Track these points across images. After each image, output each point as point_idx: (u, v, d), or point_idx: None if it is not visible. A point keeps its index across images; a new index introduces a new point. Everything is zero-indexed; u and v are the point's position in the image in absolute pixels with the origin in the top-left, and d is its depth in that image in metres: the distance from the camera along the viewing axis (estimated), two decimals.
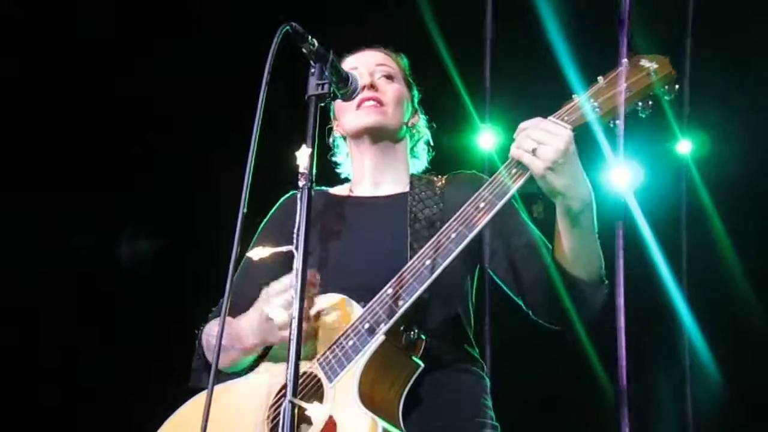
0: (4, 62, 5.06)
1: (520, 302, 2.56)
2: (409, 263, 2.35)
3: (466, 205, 2.35)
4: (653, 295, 5.38)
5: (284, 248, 2.09)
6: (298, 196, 2.08)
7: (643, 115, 2.35)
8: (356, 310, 2.36)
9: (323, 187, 2.80)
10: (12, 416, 5.26)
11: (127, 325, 5.44)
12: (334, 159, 2.92)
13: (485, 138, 5.64)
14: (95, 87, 5.33)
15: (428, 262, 2.32)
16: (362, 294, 2.38)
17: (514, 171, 2.31)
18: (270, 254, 2.16)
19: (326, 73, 2.23)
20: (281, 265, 2.35)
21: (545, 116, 2.33)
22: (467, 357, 2.55)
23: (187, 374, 2.69)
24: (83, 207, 5.47)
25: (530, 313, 2.54)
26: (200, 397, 2.49)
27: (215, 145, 5.25)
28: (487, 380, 2.57)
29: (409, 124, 2.82)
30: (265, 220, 2.79)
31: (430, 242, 2.35)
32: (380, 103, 2.71)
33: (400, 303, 2.29)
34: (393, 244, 2.55)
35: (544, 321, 2.51)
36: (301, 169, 2.10)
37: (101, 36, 5.21)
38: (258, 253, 2.17)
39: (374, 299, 2.34)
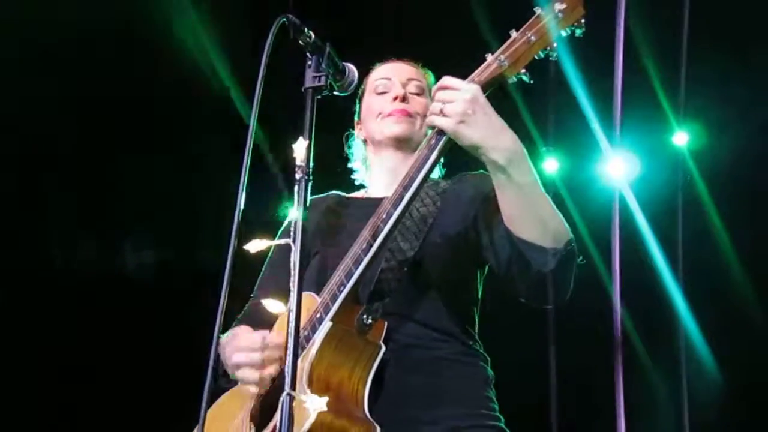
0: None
1: (503, 280, 2.43)
2: (352, 251, 2.37)
3: (397, 185, 2.36)
4: (649, 287, 5.40)
5: (282, 241, 2.09)
6: (295, 188, 2.08)
7: (552, 59, 2.29)
8: (313, 302, 2.40)
9: (337, 192, 2.85)
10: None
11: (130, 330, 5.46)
12: (349, 166, 2.94)
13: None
14: (95, 88, 5.32)
15: (365, 244, 2.34)
16: (350, 294, 2.38)
17: (432, 141, 2.31)
18: (267, 247, 2.16)
19: (323, 65, 2.23)
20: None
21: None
22: (468, 349, 2.53)
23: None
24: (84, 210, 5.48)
25: (510, 291, 2.42)
26: (220, 400, 2.59)
27: (215, 147, 5.26)
28: (491, 372, 2.55)
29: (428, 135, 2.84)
30: (285, 224, 2.78)
31: (367, 226, 2.37)
32: (409, 114, 2.74)
33: (341, 288, 2.33)
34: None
35: (522, 297, 2.41)
36: (298, 162, 2.10)
37: (101, 37, 5.21)
38: (255, 245, 2.16)
39: (323, 289, 2.39)
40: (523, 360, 5.23)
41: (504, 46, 2.30)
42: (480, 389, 2.50)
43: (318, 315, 2.35)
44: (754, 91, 5.15)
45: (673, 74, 5.11)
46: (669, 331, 5.40)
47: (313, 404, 1.99)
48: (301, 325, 2.29)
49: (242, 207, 2.09)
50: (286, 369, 1.90)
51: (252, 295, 2.80)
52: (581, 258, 2.38)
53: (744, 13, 4.94)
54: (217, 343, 2.04)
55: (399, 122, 2.73)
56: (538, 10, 2.29)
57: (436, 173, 2.84)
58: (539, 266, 2.27)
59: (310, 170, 2.09)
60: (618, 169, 5.46)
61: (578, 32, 2.28)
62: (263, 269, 2.82)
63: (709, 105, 5.33)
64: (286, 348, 1.94)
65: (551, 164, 5.77)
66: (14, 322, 5.28)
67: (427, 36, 4.96)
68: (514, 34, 2.30)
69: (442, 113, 2.24)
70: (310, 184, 2.08)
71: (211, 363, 2.03)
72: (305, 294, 2.34)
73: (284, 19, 2.19)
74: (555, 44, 2.28)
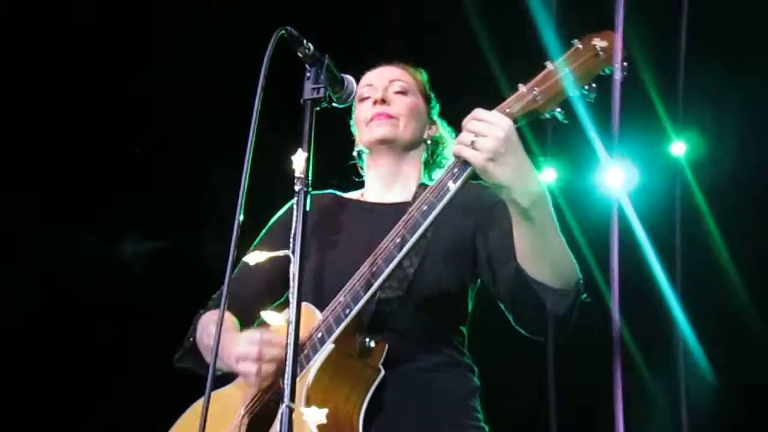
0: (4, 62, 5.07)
1: (503, 308, 2.47)
2: (359, 270, 2.34)
3: (411, 208, 2.30)
4: (647, 296, 5.40)
5: (281, 253, 2.08)
6: (294, 200, 2.08)
7: (590, 100, 2.16)
8: (314, 318, 2.36)
9: (333, 191, 2.83)
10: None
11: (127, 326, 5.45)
12: (361, 173, 2.92)
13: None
14: (95, 87, 5.33)
15: (374, 268, 2.30)
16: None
17: (456, 170, 2.23)
18: (267, 258, 2.16)
19: (321, 77, 2.24)
20: (280, 265, 2.32)
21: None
22: (457, 361, 2.54)
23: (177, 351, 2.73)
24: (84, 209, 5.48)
25: (510, 319, 2.45)
26: (196, 406, 2.55)
27: (214, 148, 5.26)
28: (477, 383, 2.56)
29: (425, 136, 2.82)
30: (273, 219, 2.79)
31: (377, 249, 2.33)
32: (390, 116, 2.73)
33: (347, 311, 2.29)
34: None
35: (524, 330, 2.43)
36: (298, 174, 2.10)
37: (101, 37, 5.21)
38: (255, 257, 2.17)
39: (327, 308, 2.35)
40: (521, 368, 5.24)
41: (538, 78, 2.19)
42: (465, 399, 2.51)
43: (319, 335, 2.32)
44: (751, 100, 5.16)
45: (670, 84, 5.12)
46: (667, 340, 5.40)
47: (312, 417, 1.99)
48: (303, 339, 2.30)
49: (241, 217, 2.09)
50: (285, 381, 1.89)
51: (232, 276, 2.74)
52: (585, 295, 2.37)
53: (741, 21, 4.95)
54: (217, 348, 2.03)
55: (380, 125, 2.71)
56: (577, 43, 2.19)
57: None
58: (552, 308, 2.27)
59: (309, 182, 2.10)
60: (616, 178, 5.46)
61: (617, 74, 2.16)
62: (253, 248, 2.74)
63: (707, 114, 5.34)
64: (285, 359, 1.93)
65: (549, 174, 5.77)
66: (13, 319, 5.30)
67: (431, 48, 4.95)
68: (549, 66, 2.19)
69: (472, 146, 2.16)
70: (309, 196, 2.08)
71: (212, 366, 2.03)
72: (306, 307, 2.35)
73: (283, 31, 2.20)
74: (594, 85, 2.17)
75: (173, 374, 2.80)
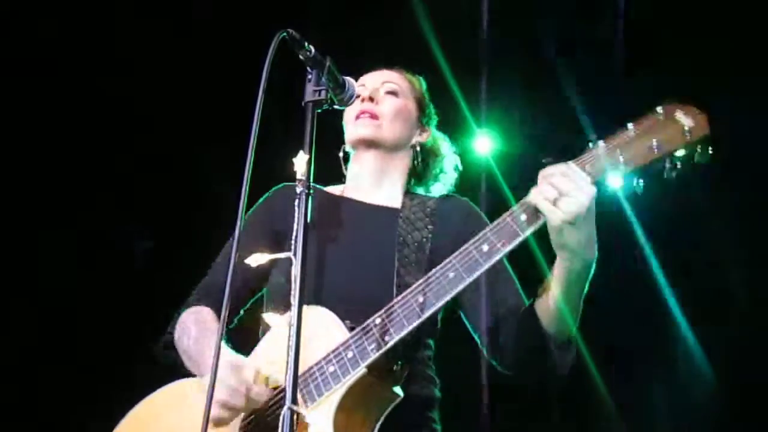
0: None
1: (477, 339, 2.53)
2: (401, 296, 2.28)
3: (468, 244, 2.24)
4: (646, 293, 5.40)
5: (282, 255, 2.08)
6: (296, 202, 2.07)
7: (669, 177, 2.11)
8: (341, 332, 2.31)
9: (316, 185, 2.78)
10: None
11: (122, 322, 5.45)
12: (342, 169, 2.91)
13: (481, 143, 5.65)
14: (95, 87, 5.33)
15: (421, 298, 2.24)
16: (345, 309, 2.35)
17: (524, 217, 2.16)
18: (268, 261, 2.15)
19: (323, 80, 2.23)
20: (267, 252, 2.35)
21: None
22: (424, 374, 2.54)
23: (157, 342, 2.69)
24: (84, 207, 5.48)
25: (493, 361, 2.49)
26: (154, 398, 2.53)
27: (214, 149, 5.26)
28: (438, 394, 2.56)
29: (413, 142, 2.82)
30: (251, 210, 2.77)
31: (426, 276, 2.27)
32: (375, 116, 2.73)
33: (387, 338, 2.23)
34: (380, 266, 2.53)
35: (508, 371, 2.46)
36: (299, 176, 2.10)
37: (101, 35, 5.21)
38: (256, 259, 2.16)
39: (361, 327, 2.28)
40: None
41: (621, 141, 2.14)
42: (426, 410, 2.52)
43: (350, 354, 2.25)
44: (749, 103, 5.15)
45: (669, 84, 5.12)
46: (667, 340, 5.40)
47: (314, 420, 1.99)
48: (323, 350, 2.27)
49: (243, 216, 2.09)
50: (286, 384, 1.89)
51: (211, 269, 2.73)
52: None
53: (741, 25, 4.96)
54: (218, 354, 2.02)
55: (362, 125, 2.73)
56: (659, 113, 2.15)
57: (444, 188, 2.85)
58: (561, 362, 2.31)
59: (311, 184, 2.10)
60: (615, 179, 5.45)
61: (704, 159, 2.10)
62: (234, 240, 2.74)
63: (713, 119, 5.33)
64: (286, 369, 1.92)
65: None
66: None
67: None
68: (633, 130, 2.14)
69: (554, 202, 2.10)
70: (311, 198, 2.07)
71: (213, 370, 2.01)
72: (316, 308, 2.34)
73: (284, 34, 2.18)
74: (679, 164, 2.11)
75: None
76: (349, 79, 2.39)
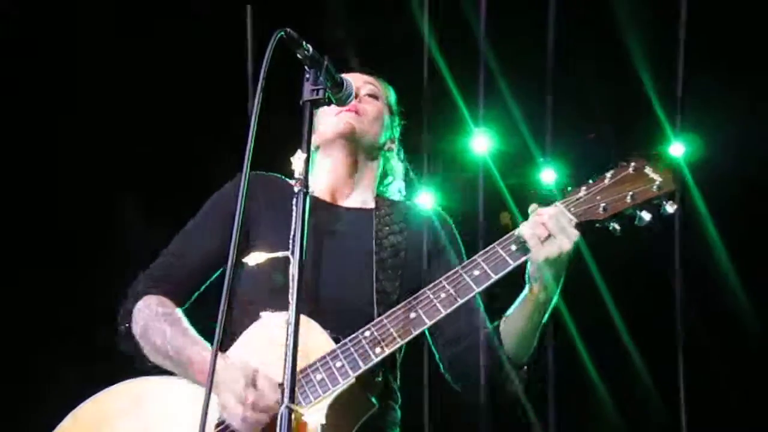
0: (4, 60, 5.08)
1: (436, 353, 2.61)
2: (391, 312, 2.36)
3: (458, 268, 2.38)
4: (647, 297, 5.40)
5: (280, 254, 2.09)
6: (294, 202, 2.08)
7: (638, 224, 2.37)
8: (326, 340, 2.34)
9: (278, 174, 2.78)
10: None
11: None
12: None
13: (479, 142, 5.65)
14: (95, 87, 5.33)
15: (412, 315, 2.34)
16: (325, 315, 2.36)
17: (514, 248, 2.36)
18: (266, 260, 2.16)
19: (321, 79, 2.22)
20: (216, 246, 2.49)
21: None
22: (388, 390, 2.56)
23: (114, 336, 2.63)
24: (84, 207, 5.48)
25: (441, 366, 2.60)
26: (100, 399, 2.46)
27: (213, 149, 5.26)
28: (399, 412, 2.61)
29: (385, 148, 2.85)
30: (211, 200, 2.77)
31: (416, 295, 2.37)
32: (358, 112, 2.74)
33: (378, 351, 2.31)
34: (359, 271, 2.57)
35: (459, 387, 2.58)
36: (297, 175, 2.10)
37: (101, 34, 5.21)
38: (255, 258, 2.17)
39: (349, 338, 2.33)
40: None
41: (602, 190, 2.37)
42: (386, 428, 2.55)
43: (338, 364, 2.30)
44: (750, 101, 5.16)
45: (669, 85, 5.13)
46: (668, 343, 5.41)
47: (312, 419, 1.99)
48: (307, 358, 2.28)
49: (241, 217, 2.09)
50: (284, 383, 1.89)
51: (167, 251, 2.70)
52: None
53: (741, 24, 4.96)
54: (216, 352, 2.00)
55: (346, 119, 2.72)
56: (629, 166, 2.39)
57: (394, 190, 2.88)
58: (511, 383, 2.46)
59: (308, 183, 2.10)
60: None
61: (665, 213, 2.36)
62: (189, 229, 2.73)
63: (706, 116, 5.34)
64: (285, 357, 1.93)
65: (549, 175, 5.77)
66: None
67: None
68: (607, 178, 2.38)
69: (542, 242, 2.31)
70: (308, 197, 2.08)
71: (211, 369, 2.01)
72: (310, 323, 2.33)
73: (282, 33, 2.18)
74: (650, 215, 2.35)
75: None
76: (346, 78, 2.39)
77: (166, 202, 5.47)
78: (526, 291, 2.40)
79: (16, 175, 5.38)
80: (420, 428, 4.55)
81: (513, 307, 2.45)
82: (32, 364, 5.34)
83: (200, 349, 2.44)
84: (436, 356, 2.62)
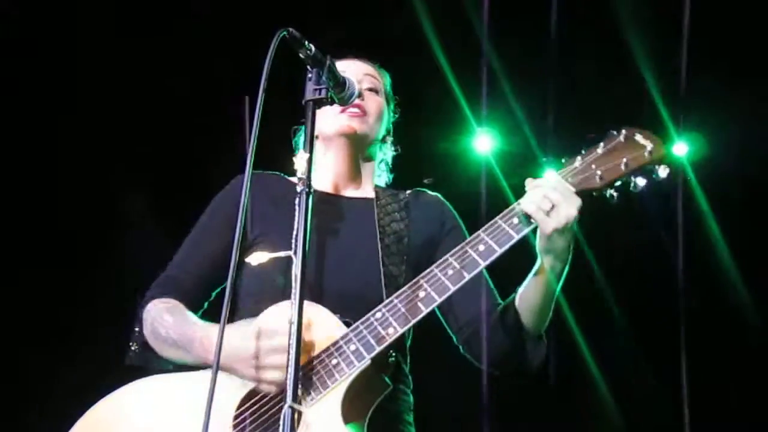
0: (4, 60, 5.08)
1: (453, 335, 2.61)
2: (401, 291, 2.35)
3: (463, 244, 2.36)
4: (649, 296, 5.41)
5: (282, 253, 2.08)
6: (296, 201, 2.07)
7: (634, 190, 2.39)
8: (338, 326, 2.33)
9: (278, 173, 2.77)
10: None
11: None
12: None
13: (482, 141, 5.65)
14: (95, 87, 5.34)
15: (422, 294, 2.33)
16: (334, 303, 2.36)
17: (516, 221, 2.36)
18: (269, 260, 2.15)
19: (323, 78, 2.22)
20: (222, 251, 2.46)
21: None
22: (400, 374, 2.56)
23: (124, 348, 2.60)
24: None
25: (461, 348, 2.60)
26: (116, 397, 2.44)
27: (213, 149, 5.26)
28: (411, 397, 2.60)
29: (383, 140, 2.85)
30: (213, 204, 2.75)
31: (424, 273, 2.36)
32: (363, 112, 2.72)
33: (390, 331, 2.30)
34: (365, 257, 2.56)
35: (484, 366, 2.56)
36: (299, 174, 2.09)
37: (101, 33, 5.21)
38: (257, 258, 2.17)
39: (361, 321, 2.32)
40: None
41: (597, 157, 2.39)
42: (401, 414, 2.54)
43: (353, 347, 2.29)
44: (753, 101, 5.16)
45: (672, 84, 5.13)
46: (671, 341, 5.41)
47: (322, 412, 1.98)
48: (320, 344, 2.28)
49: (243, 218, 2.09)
50: (287, 381, 1.89)
51: (172, 263, 2.68)
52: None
53: (745, 23, 4.95)
54: (220, 348, 2.01)
55: (351, 120, 2.70)
56: (619, 135, 2.41)
57: (383, 180, 2.87)
58: (533, 355, 2.48)
59: (311, 182, 2.09)
60: None
61: (657, 178, 2.38)
62: (192, 237, 2.71)
63: (709, 115, 5.34)
64: (288, 357, 1.92)
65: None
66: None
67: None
68: (600, 147, 2.40)
69: (547, 213, 2.30)
70: (311, 197, 2.07)
71: (215, 367, 2.00)
72: (314, 306, 2.33)
73: (285, 33, 2.17)
74: (645, 180, 2.38)
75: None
76: (349, 78, 2.38)
77: (167, 202, 5.49)
78: (538, 264, 2.40)
79: (16, 175, 5.38)
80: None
81: (526, 281, 2.44)
82: (32, 364, 5.35)
83: (199, 327, 2.45)
84: (454, 339, 2.61)
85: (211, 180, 2.85)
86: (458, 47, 5.08)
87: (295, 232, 2.05)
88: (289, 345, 1.93)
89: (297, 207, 2.06)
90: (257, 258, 2.18)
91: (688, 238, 5.37)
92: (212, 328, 2.40)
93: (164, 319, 2.51)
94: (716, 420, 5.35)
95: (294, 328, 1.94)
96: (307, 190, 2.08)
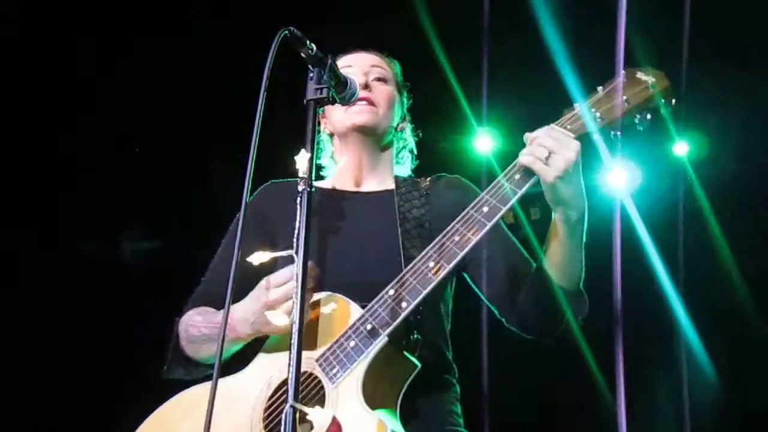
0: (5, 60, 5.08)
1: (495, 309, 2.58)
2: (411, 265, 2.33)
3: (468, 208, 2.34)
4: (650, 297, 5.40)
5: (284, 253, 2.08)
6: (298, 200, 2.07)
7: (641, 128, 2.36)
8: (354, 309, 2.34)
9: (295, 179, 2.75)
10: None
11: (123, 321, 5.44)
12: (317, 162, 2.87)
13: (482, 141, 5.65)
14: (96, 87, 5.33)
15: (432, 264, 2.30)
16: (356, 292, 2.37)
17: (518, 177, 2.32)
18: (270, 259, 2.15)
19: (325, 78, 2.21)
20: (257, 247, 2.37)
21: (541, 122, 2.36)
22: (444, 363, 2.56)
23: (163, 364, 2.64)
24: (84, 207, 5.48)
25: (513, 326, 2.55)
26: (181, 398, 2.47)
27: (214, 149, 5.26)
28: (458, 387, 2.58)
29: (398, 129, 2.84)
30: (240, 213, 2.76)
31: (432, 244, 2.33)
32: (372, 103, 2.72)
33: (404, 305, 2.27)
34: (385, 243, 2.55)
35: (530, 333, 2.53)
36: (301, 174, 2.09)
37: (100, 33, 5.21)
38: (259, 257, 2.16)
39: (375, 300, 2.32)
40: (522, 372, 5.26)
41: (597, 100, 2.36)
42: (447, 404, 2.52)
43: (369, 326, 2.28)
44: (754, 101, 5.16)
45: (673, 84, 5.12)
46: (671, 342, 5.40)
47: (317, 417, 1.98)
48: (343, 331, 2.31)
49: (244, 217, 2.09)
50: (288, 381, 1.89)
51: (204, 278, 2.72)
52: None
53: (744, 22, 4.95)
54: (221, 350, 2.02)
55: (361, 112, 2.70)
56: (639, 75, 2.37)
57: (404, 173, 2.86)
58: (577, 311, 2.44)
59: (312, 182, 2.09)
60: (619, 178, 5.46)
61: (664, 110, 2.37)
62: (221, 250, 2.74)
63: (710, 115, 5.34)
64: (289, 354, 1.92)
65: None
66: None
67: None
68: (600, 91, 2.37)
69: (546, 162, 2.26)
70: (313, 196, 2.07)
71: (216, 365, 2.01)
72: (325, 294, 2.36)
73: (286, 32, 2.17)
74: (649, 115, 2.36)
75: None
76: (350, 77, 2.38)
77: (167, 201, 5.49)
78: (554, 217, 2.36)
79: (16, 175, 5.38)
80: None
81: (547, 238, 2.40)
82: (32, 364, 5.34)
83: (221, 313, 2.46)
84: (496, 313, 2.58)
85: (213, 180, 2.85)
86: (458, 47, 5.08)
87: (296, 232, 2.04)
88: (290, 344, 1.93)
89: (299, 206, 2.06)
90: (258, 258, 2.17)
91: (689, 237, 5.37)
92: (233, 306, 2.40)
93: (194, 320, 2.56)
94: (716, 420, 5.35)
95: (295, 328, 1.94)
96: (308, 189, 2.07)
